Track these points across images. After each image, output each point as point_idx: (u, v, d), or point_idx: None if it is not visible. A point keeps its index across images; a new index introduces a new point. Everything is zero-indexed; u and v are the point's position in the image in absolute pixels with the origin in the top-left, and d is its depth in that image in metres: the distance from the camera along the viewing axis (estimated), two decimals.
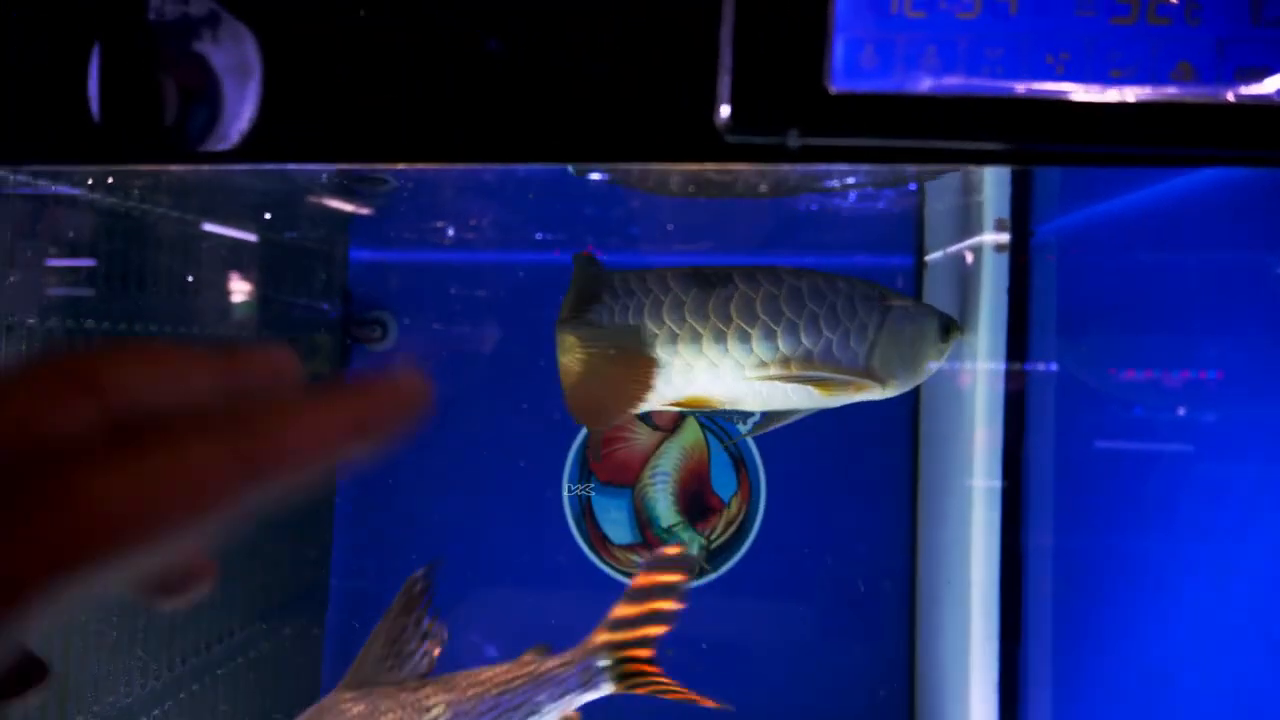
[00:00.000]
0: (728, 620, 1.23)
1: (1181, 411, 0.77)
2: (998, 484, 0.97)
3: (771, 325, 0.80)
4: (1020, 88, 0.40)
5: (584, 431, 1.23)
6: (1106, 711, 0.87)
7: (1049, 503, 0.95)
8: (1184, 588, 0.77)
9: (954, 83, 0.40)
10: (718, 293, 0.82)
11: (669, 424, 1.23)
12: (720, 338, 0.81)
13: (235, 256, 1.06)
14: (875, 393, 0.83)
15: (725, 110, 0.41)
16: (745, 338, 0.81)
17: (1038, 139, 0.40)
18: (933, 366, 0.82)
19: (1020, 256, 0.89)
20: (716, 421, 1.23)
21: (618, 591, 1.24)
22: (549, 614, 1.22)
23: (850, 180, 0.73)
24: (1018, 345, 0.93)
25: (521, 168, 1.02)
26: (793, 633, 1.22)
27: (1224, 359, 0.71)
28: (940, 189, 1.08)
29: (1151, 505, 0.81)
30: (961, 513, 1.00)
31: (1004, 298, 0.91)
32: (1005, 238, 0.90)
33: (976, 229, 0.93)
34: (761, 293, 0.81)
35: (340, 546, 1.20)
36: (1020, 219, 0.89)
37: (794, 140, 0.41)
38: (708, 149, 0.41)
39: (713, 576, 1.22)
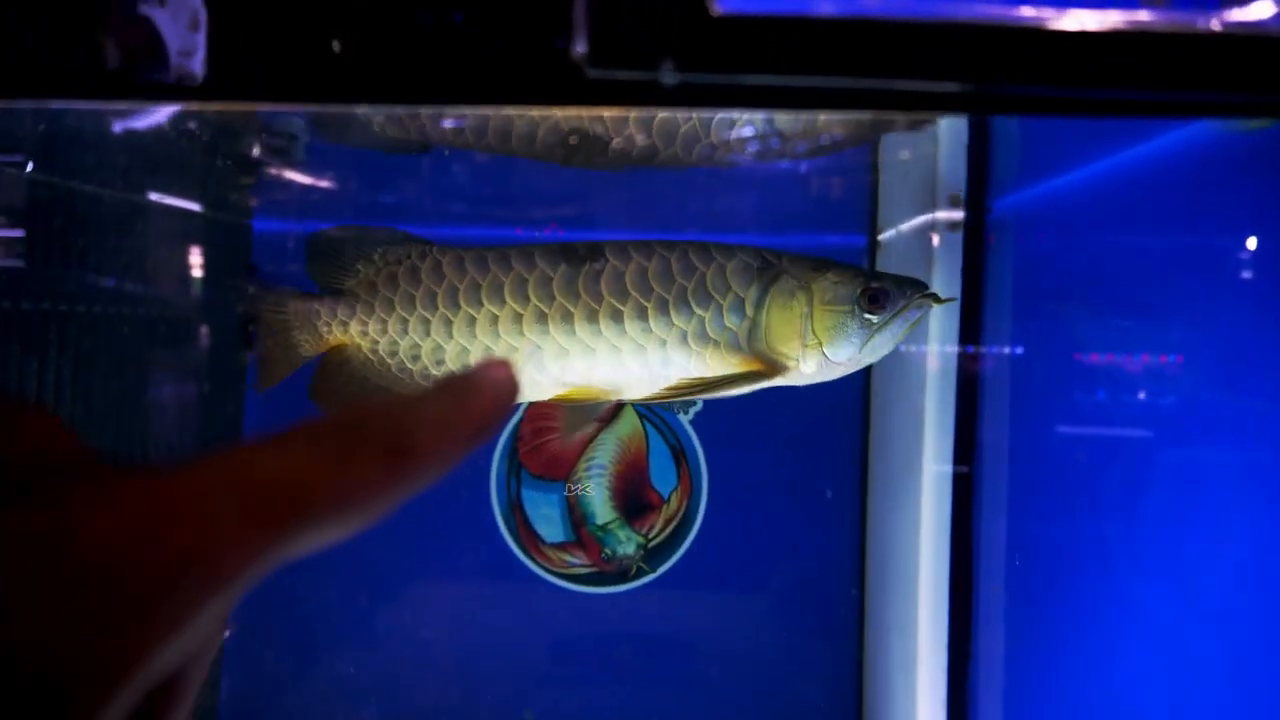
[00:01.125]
0: (670, 619, 1.16)
1: (1143, 396, 0.70)
2: (949, 470, 0.90)
3: (643, 302, 0.71)
4: (952, 11, 0.32)
5: (514, 421, 1.14)
6: (1059, 708, 0.81)
7: (1003, 490, 0.88)
8: (1142, 577, 0.70)
9: (869, 4, 0.32)
10: (589, 269, 0.72)
11: (605, 414, 1.15)
12: (593, 317, 0.72)
13: (120, 223, 0.95)
14: (789, 378, 0.72)
15: (584, 38, 0.32)
16: (618, 317, 0.72)
17: (974, 78, 0.31)
18: (877, 342, 0.69)
19: (975, 235, 0.81)
20: (656, 412, 1.15)
21: (549, 592, 1.16)
22: (476, 617, 1.14)
23: (745, 132, 0.65)
24: (972, 327, 0.86)
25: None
26: (737, 631, 1.15)
27: (1187, 343, 0.64)
28: (894, 162, 1.00)
29: (1111, 493, 0.75)
30: (912, 501, 0.93)
31: (958, 278, 0.83)
32: (959, 215, 0.82)
33: (930, 205, 0.86)
34: (632, 266, 0.72)
35: None
36: (976, 195, 0.82)
37: (669, 75, 0.32)
38: (566, 88, 0.33)
39: (651, 577, 1.14)
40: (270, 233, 1.12)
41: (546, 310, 0.72)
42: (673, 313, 0.71)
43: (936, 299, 0.70)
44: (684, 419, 1.15)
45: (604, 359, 0.73)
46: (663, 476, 1.14)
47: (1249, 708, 0.59)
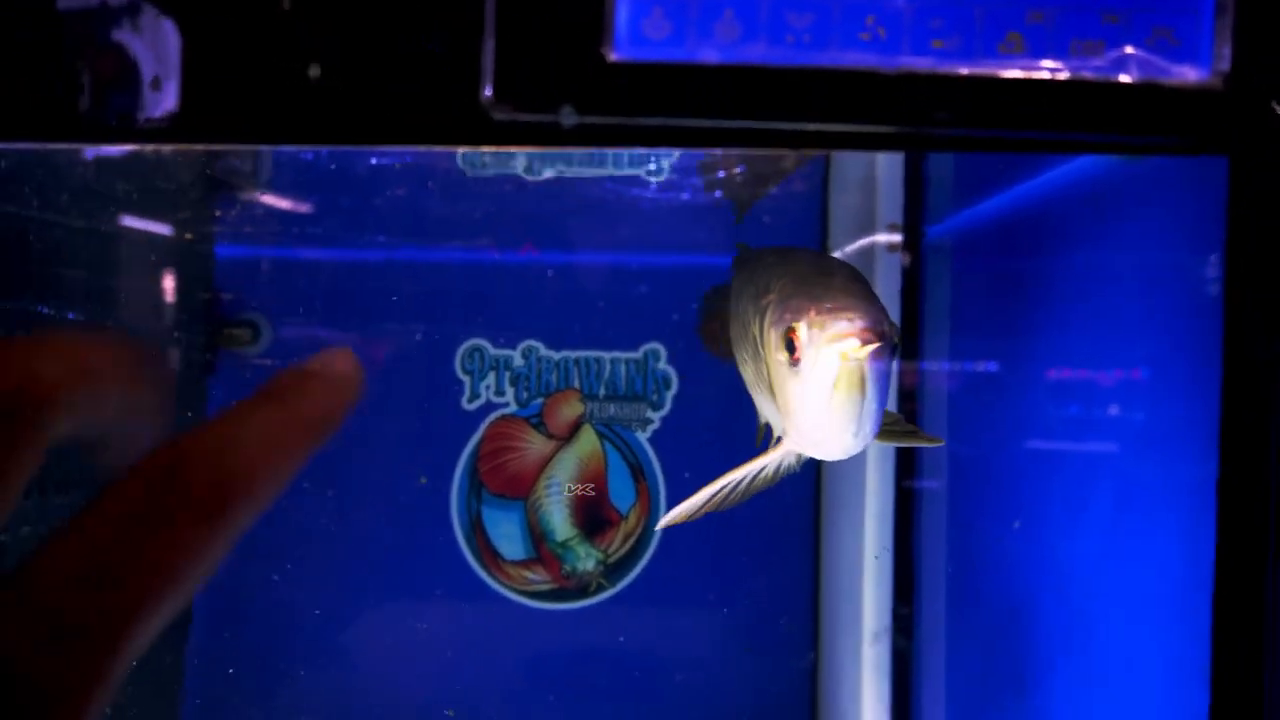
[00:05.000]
0: (629, 634, 1.17)
1: (1077, 410, 0.73)
2: (892, 482, 0.93)
3: (750, 341, 0.62)
4: (828, 60, 0.34)
5: (474, 441, 1.16)
6: (997, 714, 0.83)
7: (944, 502, 0.91)
8: (1081, 588, 0.73)
9: (754, 53, 0.35)
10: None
11: (564, 432, 1.17)
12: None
13: (82, 251, 0.97)
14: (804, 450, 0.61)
15: (490, 83, 0.35)
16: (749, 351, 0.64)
17: (848, 119, 0.34)
18: (813, 402, 0.51)
19: (913, 255, 0.85)
20: (614, 429, 1.17)
21: (509, 610, 1.18)
22: (436, 635, 1.15)
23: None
24: (911, 343, 0.89)
25: (404, 155, 0.95)
26: (694, 646, 1.16)
27: (1121, 357, 0.68)
28: (843, 183, 1.03)
29: (1051, 505, 0.78)
30: (859, 514, 0.96)
31: (897, 299, 0.87)
32: (897, 238, 0.86)
33: (871, 228, 0.89)
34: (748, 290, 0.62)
35: None
36: (912, 219, 0.85)
37: (569, 118, 0.35)
38: (473, 129, 0.35)
39: (611, 592, 1.16)
40: (233, 258, 1.13)
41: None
42: (760, 354, 0.59)
43: (847, 349, 0.48)
44: (642, 437, 1.17)
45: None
46: (621, 493, 1.16)
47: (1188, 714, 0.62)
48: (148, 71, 0.36)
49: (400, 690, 1.15)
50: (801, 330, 0.50)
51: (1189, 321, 0.55)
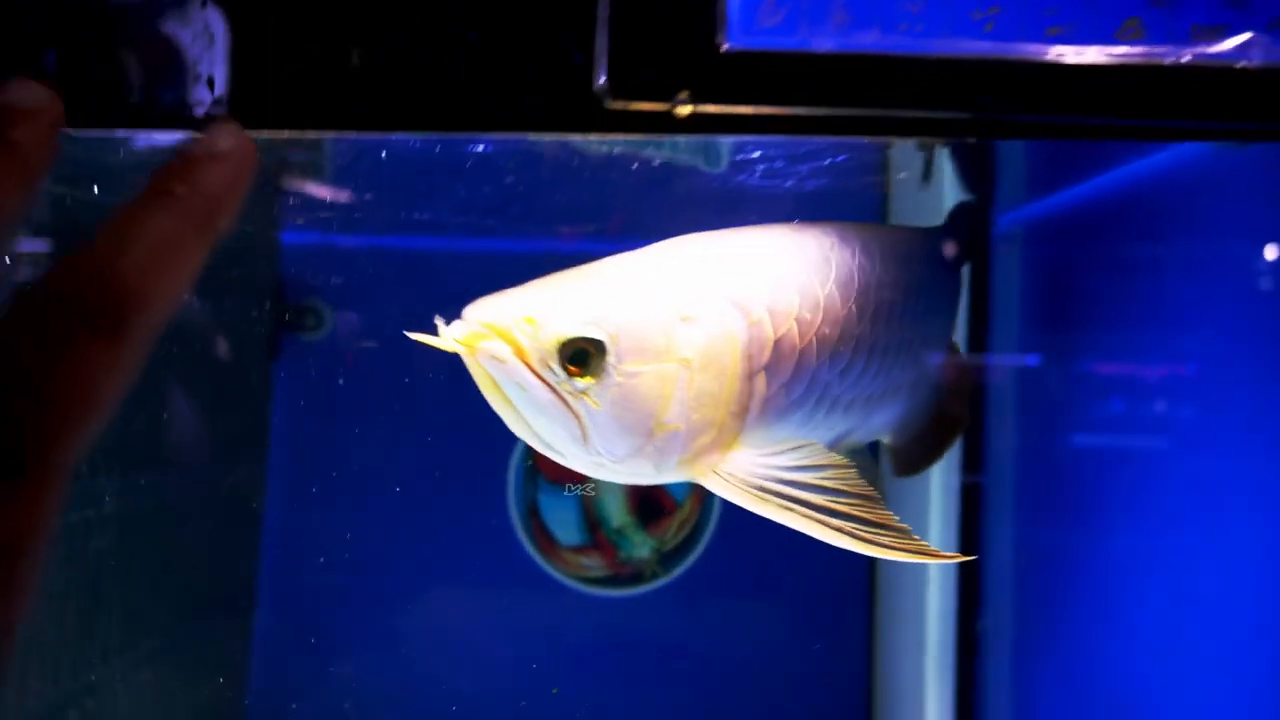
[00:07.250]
0: (683, 622, 1.18)
1: (1150, 405, 0.72)
2: (956, 478, 0.92)
3: None
4: (942, 48, 0.34)
5: None
6: (1065, 708, 0.83)
7: (1009, 498, 0.90)
8: (1151, 585, 0.72)
9: (866, 41, 0.35)
10: None
11: None
12: None
13: None
14: None
15: (604, 72, 0.35)
16: None
17: (961, 107, 0.34)
18: None
19: (981, 248, 0.84)
20: None
21: (565, 596, 1.19)
22: (493, 619, 1.17)
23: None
24: (979, 339, 0.89)
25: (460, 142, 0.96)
26: (749, 635, 1.17)
27: (1195, 352, 0.67)
28: (905, 180, 1.02)
29: (1118, 501, 0.77)
30: (921, 507, 0.96)
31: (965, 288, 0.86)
32: None
33: (937, 219, 0.88)
34: None
35: (270, 546, 1.14)
36: (982, 209, 0.84)
37: (682, 106, 0.35)
38: (587, 117, 0.36)
39: (665, 580, 1.16)
40: (299, 245, 1.15)
41: None
42: None
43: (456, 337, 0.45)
44: None
45: None
46: (678, 481, 1.16)
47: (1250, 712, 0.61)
48: (232, 56, 0.37)
49: (456, 671, 1.17)
50: None
51: None
